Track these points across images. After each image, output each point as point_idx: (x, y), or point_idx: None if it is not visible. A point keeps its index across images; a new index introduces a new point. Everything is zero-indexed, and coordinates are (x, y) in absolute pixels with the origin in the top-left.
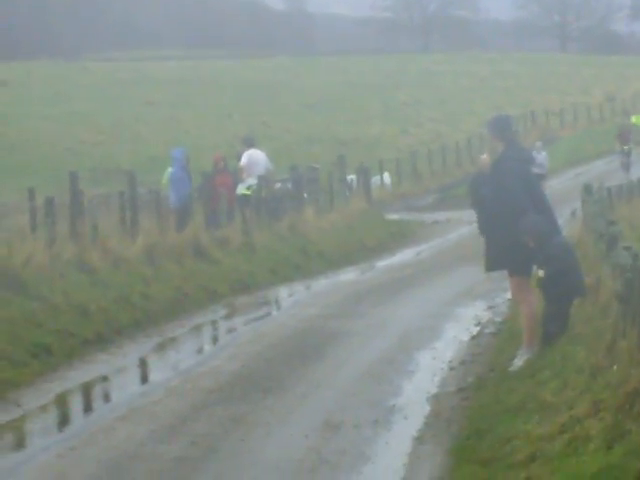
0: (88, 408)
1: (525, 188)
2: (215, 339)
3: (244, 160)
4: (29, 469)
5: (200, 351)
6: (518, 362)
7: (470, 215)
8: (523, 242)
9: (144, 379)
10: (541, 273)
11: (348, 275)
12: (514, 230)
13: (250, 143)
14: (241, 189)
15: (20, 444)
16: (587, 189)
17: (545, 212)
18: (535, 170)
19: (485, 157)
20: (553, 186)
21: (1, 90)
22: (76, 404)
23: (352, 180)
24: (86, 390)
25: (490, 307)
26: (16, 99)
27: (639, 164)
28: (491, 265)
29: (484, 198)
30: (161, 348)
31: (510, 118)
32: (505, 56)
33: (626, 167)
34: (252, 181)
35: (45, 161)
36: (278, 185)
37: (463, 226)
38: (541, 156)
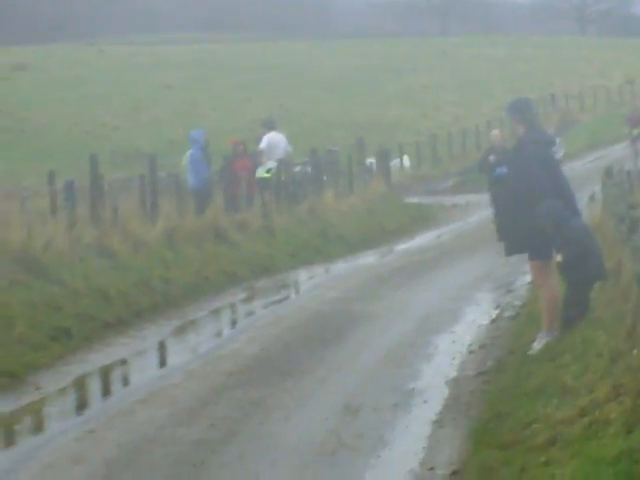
0: (107, 391)
1: (546, 171)
2: (234, 322)
3: (264, 143)
4: (48, 452)
5: (220, 334)
6: (537, 345)
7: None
8: (541, 227)
9: (163, 362)
10: (559, 257)
11: (368, 259)
12: (534, 214)
13: (271, 126)
14: (261, 172)
15: (39, 427)
16: (608, 172)
17: (565, 196)
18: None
19: (497, 132)
20: (574, 169)
21: (20, 74)
22: (95, 387)
23: (371, 163)
24: (105, 373)
25: (509, 291)
26: (35, 83)
27: None
28: (511, 249)
29: (500, 177)
30: (181, 331)
31: (530, 101)
32: (524, 39)
33: (636, 153)
34: (272, 164)
35: (65, 145)
36: (297, 168)
37: (483, 209)
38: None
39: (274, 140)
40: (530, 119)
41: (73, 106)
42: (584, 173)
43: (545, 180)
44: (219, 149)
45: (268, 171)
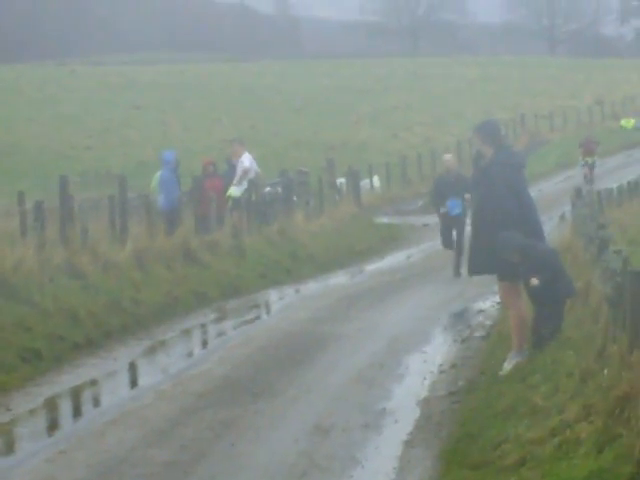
0: (78, 412)
1: (511, 194)
2: (205, 343)
3: (247, 163)
4: (19, 473)
5: (190, 355)
6: (508, 366)
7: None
8: (506, 257)
9: (134, 383)
10: (535, 281)
11: (338, 279)
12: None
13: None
14: (237, 191)
15: (10, 448)
16: (577, 192)
17: (530, 220)
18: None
19: (449, 157)
20: (543, 189)
21: None
22: (66, 408)
23: (341, 184)
24: (76, 394)
25: (480, 311)
26: (5, 102)
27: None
28: (476, 268)
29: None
30: (151, 352)
31: (498, 122)
32: (494, 59)
33: (589, 181)
34: (245, 185)
35: (35, 165)
36: (268, 189)
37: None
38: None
39: (250, 159)
40: (499, 141)
41: (43, 126)
42: (554, 193)
43: (510, 203)
44: (189, 169)
45: (242, 192)
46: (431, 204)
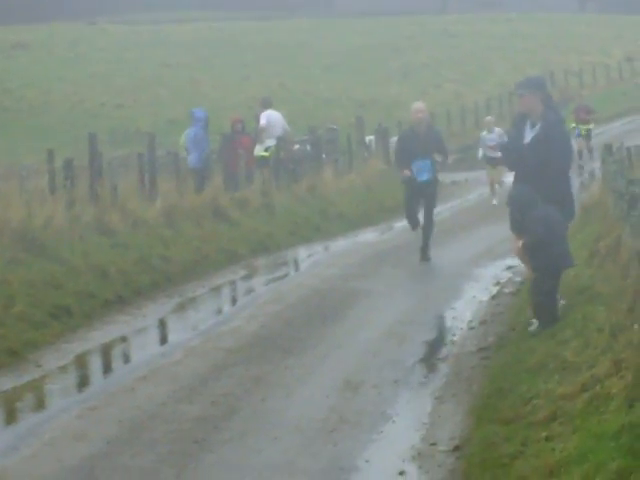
0: (108, 369)
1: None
2: (235, 300)
3: (263, 121)
4: (50, 429)
5: (220, 311)
6: (537, 322)
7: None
8: (511, 211)
9: (164, 339)
10: (519, 243)
11: (367, 236)
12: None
13: (268, 104)
14: (259, 151)
15: (40, 404)
16: (607, 148)
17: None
18: (488, 154)
19: (420, 105)
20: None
21: (21, 52)
22: (96, 365)
23: (371, 141)
24: (106, 351)
25: (509, 267)
26: (36, 61)
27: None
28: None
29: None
30: (181, 309)
31: (544, 78)
32: (523, 16)
33: (585, 157)
34: (270, 142)
35: (64, 123)
36: (296, 147)
37: (482, 186)
38: (494, 135)
39: (272, 118)
40: (547, 96)
41: (73, 85)
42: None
43: (567, 157)
44: (218, 127)
45: (267, 150)
46: (395, 165)
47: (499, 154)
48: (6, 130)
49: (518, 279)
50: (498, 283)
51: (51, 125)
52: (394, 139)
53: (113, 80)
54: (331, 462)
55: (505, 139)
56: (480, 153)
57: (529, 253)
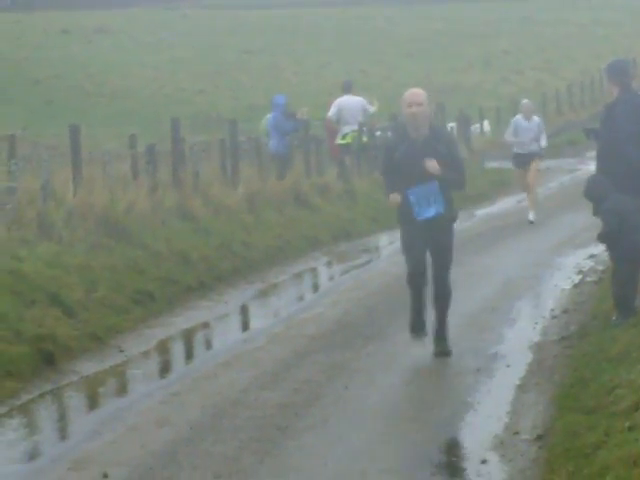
0: (190, 354)
1: (636, 137)
2: (316, 286)
3: (332, 111)
4: (132, 414)
5: (302, 298)
6: None
7: (570, 164)
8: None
9: (246, 326)
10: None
11: None
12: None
13: (347, 89)
14: (338, 138)
15: (123, 389)
16: None
17: None
18: (517, 150)
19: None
20: None
21: (102, 37)
22: (178, 350)
23: (452, 128)
24: (188, 336)
25: (591, 255)
26: (117, 46)
27: None
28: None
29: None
30: (263, 295)
31: (628, 63)
32: (606, 3)
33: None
34: (347, 129)
35: (146, 108)
36: (378, 133)
37: (563, 174)
38: (533, 125)
39: (346, 104)
40: (626, 81)
41: (155, 70)
42: None
43: (632, 148)
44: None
45: (344, 137)
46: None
47: (535, 148)
48: (88, 115)
49: (600, 267)
50: (580, 272)
51: (132, 110)
52: (475, 126)
53: (194, 65)
54: (412, 450)
55: (544, 132)
56: (509, 137)
57: (605, 244)
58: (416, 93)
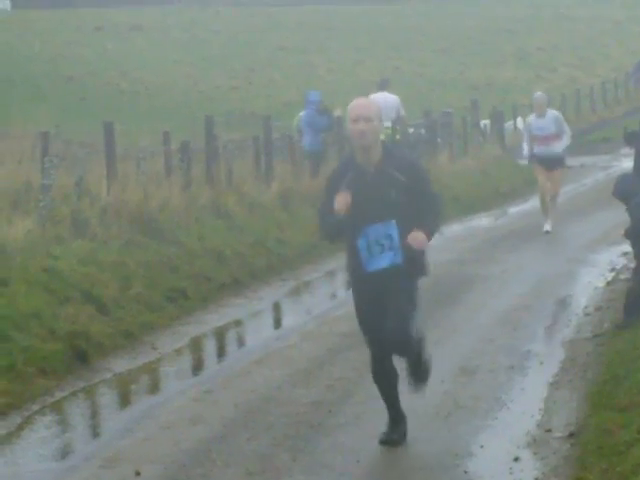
0: (223, 352)
1: None
2: (349, 284)
3: None
4: (165, 412)
5: (334, 296)
6: None
7: (604, 160)
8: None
9: (279, 323)
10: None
11: (481, 221)
12: None
13: (382, 86)
14: None
15: (156, 387)
16: None
17: None
18: (537, 149)
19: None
20: None
21: (136, 34)
22: (211, 348)
23: (485, 125)
24: (221, 334)
25: (625, 253)
26: (151, 44)
27: None
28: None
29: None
30: (296, 292)
31: None
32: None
33: None
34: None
35: (180, 106)
36: (411, 130)
37: (597, 171)
38: (547, 121)
39: (380, 101)
40: None
41: (188, 67)
42: None
43: None
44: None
45: None
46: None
47: (556, 149)
48: (122, 112)
49: (633, 265)
50: (614, 269)
51: (167, 107)
52: (509, 123)
53: (228, 63)
54: (445, 447)
55: (564, 126)
56: (525, 150)
57: (632, 240)
58: (363, 105)
